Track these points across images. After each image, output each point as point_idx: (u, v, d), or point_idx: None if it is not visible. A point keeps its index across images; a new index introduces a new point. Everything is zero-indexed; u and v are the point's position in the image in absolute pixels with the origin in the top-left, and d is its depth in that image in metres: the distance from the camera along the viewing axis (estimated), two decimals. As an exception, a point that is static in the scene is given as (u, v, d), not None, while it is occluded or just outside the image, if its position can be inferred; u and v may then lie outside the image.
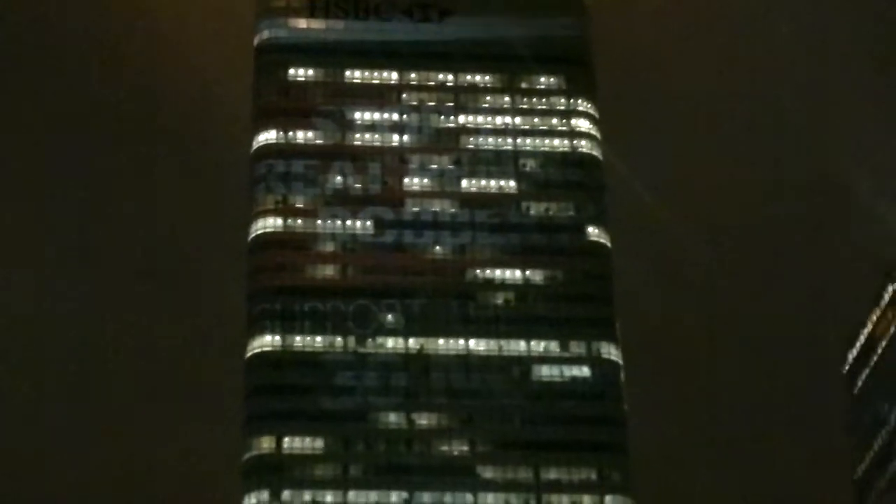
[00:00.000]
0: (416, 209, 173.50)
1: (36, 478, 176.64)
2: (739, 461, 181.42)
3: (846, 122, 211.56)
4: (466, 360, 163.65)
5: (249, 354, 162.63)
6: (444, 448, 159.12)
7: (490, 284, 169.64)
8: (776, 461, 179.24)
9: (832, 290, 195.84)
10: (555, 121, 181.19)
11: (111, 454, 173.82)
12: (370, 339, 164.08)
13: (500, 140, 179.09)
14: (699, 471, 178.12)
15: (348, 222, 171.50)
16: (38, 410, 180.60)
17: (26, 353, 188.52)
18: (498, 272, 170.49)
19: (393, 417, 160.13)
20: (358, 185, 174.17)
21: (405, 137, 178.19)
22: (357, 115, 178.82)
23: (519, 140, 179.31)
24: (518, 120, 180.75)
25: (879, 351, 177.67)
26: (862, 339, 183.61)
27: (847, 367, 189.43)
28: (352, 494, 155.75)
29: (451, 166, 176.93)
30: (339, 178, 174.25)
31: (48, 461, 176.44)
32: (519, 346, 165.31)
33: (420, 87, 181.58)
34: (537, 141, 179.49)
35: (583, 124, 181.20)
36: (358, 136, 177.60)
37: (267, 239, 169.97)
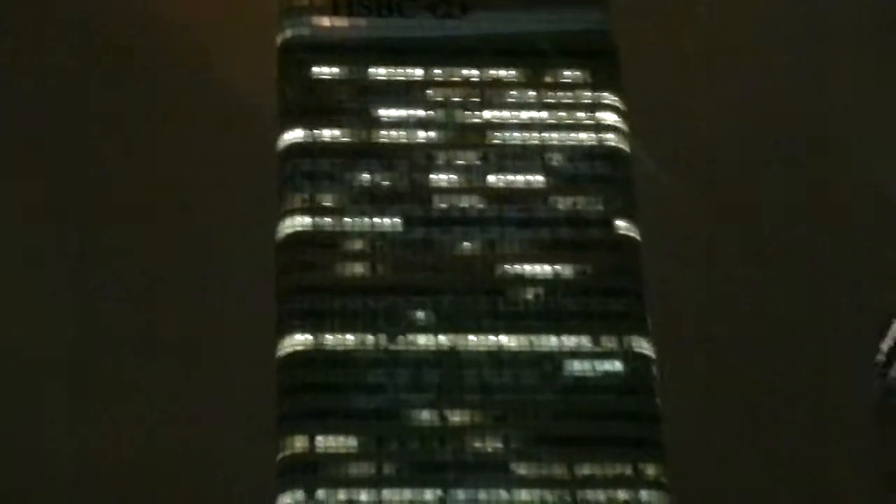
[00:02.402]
0: (443, 205, 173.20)
1: (67, 477, 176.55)
2: (773, 454, 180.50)
3: (882, 120, 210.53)
4: (498, 357, 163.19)
5: (281, 354, 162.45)
6: (478, 445, 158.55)
7: (520, 280, 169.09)
8: (810, 453, 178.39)
9: (865, 282, 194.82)
10: (581, 114, 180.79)
11: (144, 457, 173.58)
12: (401, 337, 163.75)
13: (526, 135, 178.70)
14: (734, 464, 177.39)
15: (376, 220, 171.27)
16: (67, 407, 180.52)
17: (54, 352, 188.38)
18: (527, 267, 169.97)
19: (425, 415, 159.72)
20: (385, 183, 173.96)
21: (431, 134, 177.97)
22: (383, 112, 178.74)
23: (545, 134, 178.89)
24: (544, 114, 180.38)
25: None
26: (894, 329, 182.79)
27: (880, 358, 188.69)
28: (386, 493, 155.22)
29: (477, 162, 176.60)
30: (366, 176, 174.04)
31: (78, 457, 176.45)
32: (550, 342, 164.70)
33: (445, 83, 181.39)
34: (564, 135, 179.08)
35: (609, 117, 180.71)
36: (384, 133, 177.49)
37: (295, 238, 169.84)
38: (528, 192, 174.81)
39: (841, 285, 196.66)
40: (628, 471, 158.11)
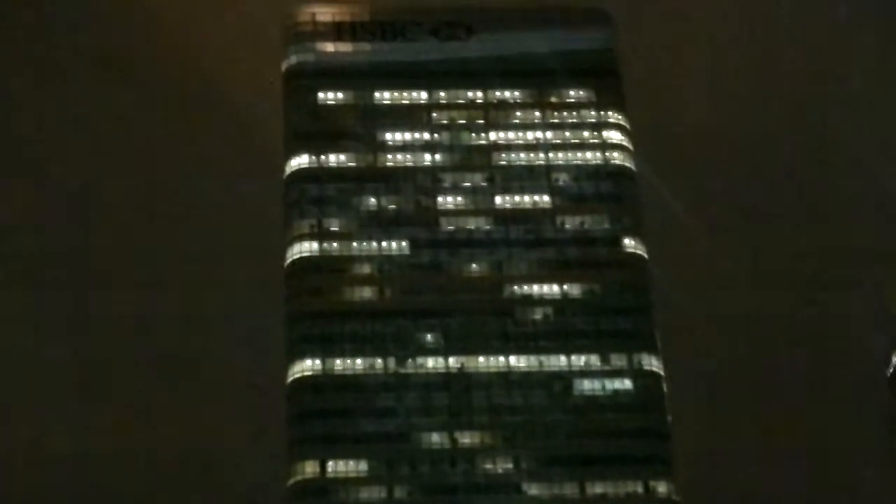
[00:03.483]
0: (450, 228, 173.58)
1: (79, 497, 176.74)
2: (783, 470, 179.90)
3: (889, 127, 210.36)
4: (507, 377, 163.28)
5: (290, 380, 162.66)
6: (489, 466, 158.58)
7: (528, 300, 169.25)
8: (823, 468, 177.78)
9: (874, 295, 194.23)
10: (586, 133, 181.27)
11: (154, 484, 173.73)
12: (410, 360, 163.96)
13: (532, 155, 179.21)
14: (744, 480, 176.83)
15: (384, 243, 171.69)
16: (80, 424, 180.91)
17: (63, 370, 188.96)
18: (535, 287, 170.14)
19: (436, 437, 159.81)
20: (392, 206, 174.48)
21: (437, 156, 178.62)
22: (388, 136, 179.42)
23: (551, 154, 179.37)
24: (549, 134, 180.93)
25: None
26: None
27: (892, 370, 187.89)
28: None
29: (484, 183, 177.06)
30: (372, 200, 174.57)
31: (90, 480, 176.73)
32: (559, 361, 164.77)
33: (450, 106, 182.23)
34: (569, 154, 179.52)
35: (614, 136, 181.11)
36: (390, 157, 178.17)
37: (303, 263, 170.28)
38: (534, 213, 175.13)
39: (850, 301, 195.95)
40: (639, 489, 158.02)
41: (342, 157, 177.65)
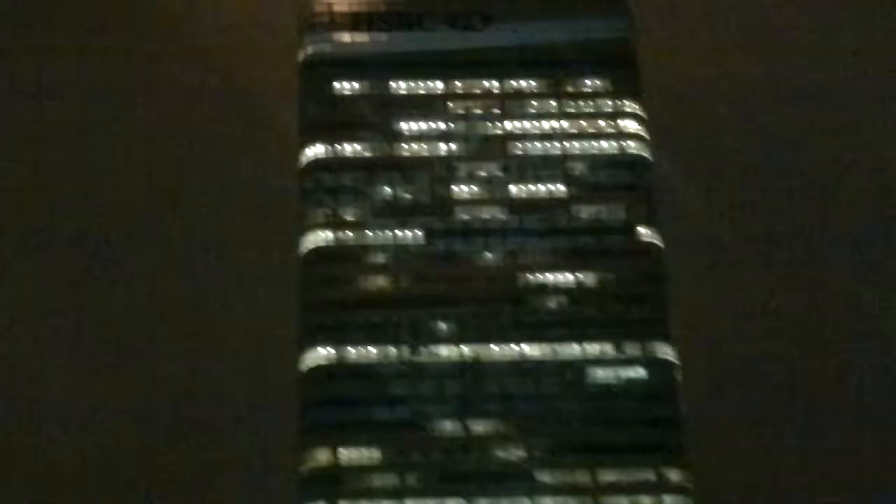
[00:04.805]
0: (465, 217, 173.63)
1: (95, 487, 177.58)
2: (797, 458, 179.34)
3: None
4: (520, 366, 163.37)
5: (304, 368, 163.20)
6: (501, 454, 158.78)
7: (542, 289, 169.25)
8: (835, 457, 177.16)
9: (890, 283, 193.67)
10: (602, 123, 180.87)
11: (165, 470, 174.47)
12: (423, 349, 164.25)
13: (547, 145, 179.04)
14: (758, 469, 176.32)
15: (398, 233, 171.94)
16: (91, 421, 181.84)
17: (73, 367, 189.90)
18: (550, 276, 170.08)
19: (448, 425, 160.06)
20: (407, 196, 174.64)
21: (452, 146, 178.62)
22: (403, 125, 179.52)
23: (566, 144, 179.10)
24: (565, 124, 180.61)
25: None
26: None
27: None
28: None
29: (499, 173, 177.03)
30: (387, 190, 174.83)
31: (94, 472, 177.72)
32: (573, 350, 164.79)
33: (465, 96, 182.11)
34: (585, 144, 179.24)
35: (630, 125, 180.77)
36: (405, 146, 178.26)
37: (318, 253, 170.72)
38: (549, 202, 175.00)
39: (867, 288, 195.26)
40: (652, 477, 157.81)
41: (357, 146, 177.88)
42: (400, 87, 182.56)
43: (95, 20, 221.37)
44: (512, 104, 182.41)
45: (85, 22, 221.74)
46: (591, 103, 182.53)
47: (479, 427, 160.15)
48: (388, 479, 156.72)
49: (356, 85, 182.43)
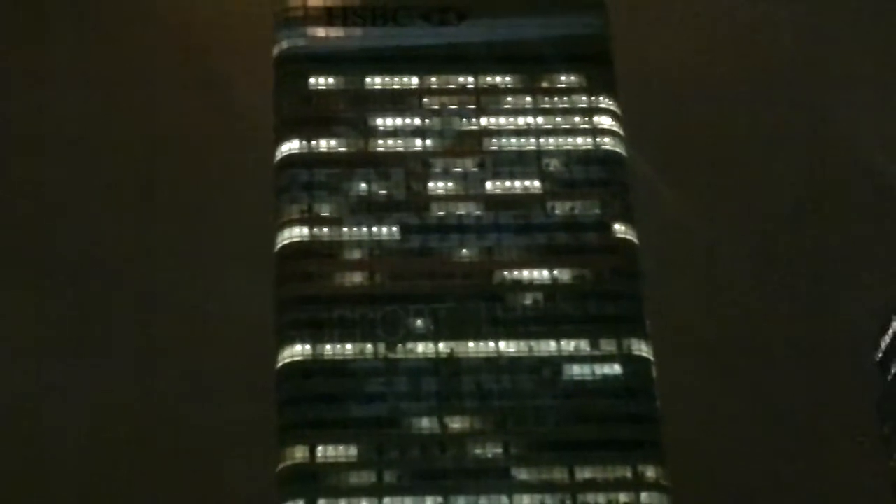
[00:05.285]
0: (441, 213, 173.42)
1: (75, 485, 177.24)
2: (774, 454, 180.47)
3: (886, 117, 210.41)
4: (497, 363, 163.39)
5: (280, 364, 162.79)
6: (478, 451, 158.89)
7: (518, 285, 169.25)
8: (812, 452, 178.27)
9: (864, 278, 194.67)
10: (577, 119, 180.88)
11: (143, 467, 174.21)
12: (400, 345, 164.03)
13: (523, 140, 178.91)
14: (734, 465, 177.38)
15: (374, 229, 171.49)
16: (73, 426, 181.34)
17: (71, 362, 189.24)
18: (525, 273, 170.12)
19: (425, 422, 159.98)
20: (382, 192, 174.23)
21: (428, 142, 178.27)
22: (379, 121, 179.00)
23: (542, 140, 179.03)
24: (540, 119, 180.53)
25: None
26: (894, 326, 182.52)
27: (880, 355, 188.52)
28: (387, 501, 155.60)
29: (474, 169, 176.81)
30: (363, 185, 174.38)
31: (77, 464, 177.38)
32: (549, 346, 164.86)
33: (441, 91, 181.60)
34: (560, 140, 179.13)
35: (605, 121, 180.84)
36: (381, 142, 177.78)
37: (294, 248, 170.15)
38: (525, 198, 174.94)
39: (840, 286, 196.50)
40: (628, 473, 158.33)
41: (333, 142, 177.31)
42: (375, 82, 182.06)
43: (71, 14, 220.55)
44: (487, 100, 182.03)
45: (62, 16, 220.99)
46: (567, 99, 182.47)
47: (456, 424, 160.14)
48: (366, 477, 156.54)
49: (331, 80, 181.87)
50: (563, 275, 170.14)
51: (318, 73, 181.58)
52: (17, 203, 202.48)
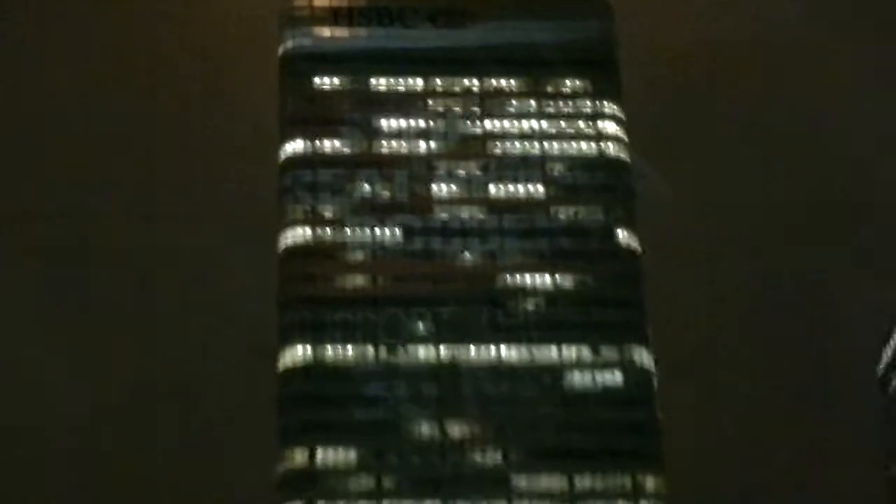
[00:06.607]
0: (444, 216, 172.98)
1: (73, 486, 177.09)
2: (773, 466, 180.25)
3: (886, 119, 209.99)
4: (498, 369, 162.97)
5: (281, 366, 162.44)
6: (478, 458, 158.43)
7: (520, 291, 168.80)
8: (811, 466, 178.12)
9: (868, 291, 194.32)
10: (581, 124, 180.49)
11: (143, 471, 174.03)
12: (401, 349, 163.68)
13: (526, 145, 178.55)
14: (733, 476, 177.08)
15: (377, 231, 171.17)
16: (71, 426, 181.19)
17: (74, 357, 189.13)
18: (528, 278, 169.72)
19: (425, 428, 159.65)
20: (385, 194, 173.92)
21: (432, 144, 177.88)
22: (383, 123, 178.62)
23: (546, 144, 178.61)
24: (545, 124, 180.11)
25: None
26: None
27: (882, 366, 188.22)
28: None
29: (478, 172, 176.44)
30: (366, 187, 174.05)
31: (77, 474, 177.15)
32: (550, 353, 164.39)
33: (446, 94, 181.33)
34: (564, 145, 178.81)
35: (609, 127, 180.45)
36: (385, 143, 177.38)
37: (296, 249, 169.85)
38: (528, 203, 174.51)
39: (843, 295, 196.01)
40: (628, 483, 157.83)
41: (337, 143, 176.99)
42: (380, 83, 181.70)
43: (75, 15, 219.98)
44: (492, 103, 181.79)
45: (65, 17, 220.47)
46: (571, 104, 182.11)
47: (456, 430, 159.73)
48: (365, 482, 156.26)
49: (336, 81, 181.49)
50: (566, 281, 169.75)
51: (323, 74, 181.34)
52: (17, 203, 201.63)
